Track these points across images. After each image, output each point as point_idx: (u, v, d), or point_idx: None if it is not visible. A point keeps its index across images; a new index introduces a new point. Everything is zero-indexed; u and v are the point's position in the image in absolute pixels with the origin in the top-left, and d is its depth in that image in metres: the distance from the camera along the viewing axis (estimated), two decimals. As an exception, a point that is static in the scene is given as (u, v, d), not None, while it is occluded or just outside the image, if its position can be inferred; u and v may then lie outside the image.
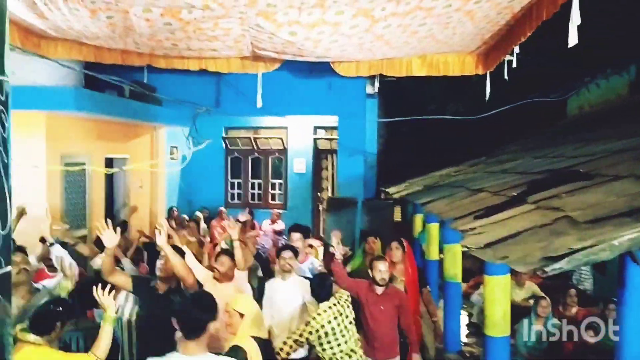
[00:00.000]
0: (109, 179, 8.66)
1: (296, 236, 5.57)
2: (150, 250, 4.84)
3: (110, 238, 3.78)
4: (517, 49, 5.15)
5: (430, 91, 12.13)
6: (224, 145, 11.94)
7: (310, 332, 4.13)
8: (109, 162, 8.40)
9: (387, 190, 9.05)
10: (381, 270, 4.52)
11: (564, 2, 3.76)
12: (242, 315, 3.43)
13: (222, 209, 10.61)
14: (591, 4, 4.42)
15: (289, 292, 4.65)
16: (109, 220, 3.85)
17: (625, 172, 2.87)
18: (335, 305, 4.29)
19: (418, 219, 8.88)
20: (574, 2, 3.53)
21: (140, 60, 6.11)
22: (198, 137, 10.35)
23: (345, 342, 4.23)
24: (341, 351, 4.21)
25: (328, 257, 5.05)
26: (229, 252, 4.43)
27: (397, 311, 4.60)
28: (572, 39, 3.59)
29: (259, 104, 6.63)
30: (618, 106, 7.15)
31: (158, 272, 3.94)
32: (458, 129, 9.90)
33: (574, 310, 5.72)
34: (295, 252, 4.89)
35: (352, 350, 4.28)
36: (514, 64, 5.34)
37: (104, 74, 7.56)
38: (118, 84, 7.36)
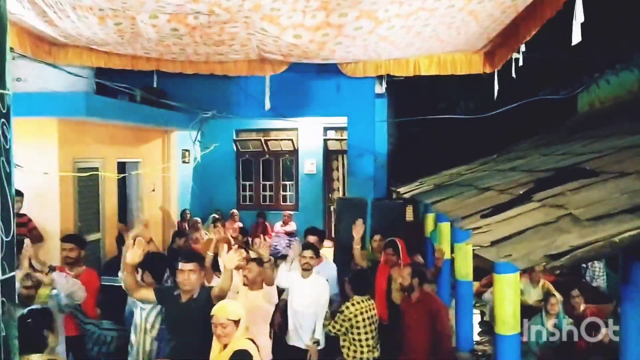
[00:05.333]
0: (122, 183, 8.77)
1: (313, 239, 5.64)
2: (156, 259, 4.87)
3: (134, 255, 3.75)
4: (523, 47, 5.14)
5: (440, 90, 12.10)
6: (235, 147, 12.03)
7: (344, 320, 4.59)
8: (122, 166, 8.51)
9: (398, 189, 9.06)
10: (400, 277, 4.82)
11: (566, 0, 3.76)
12: (237, 322, 3.42)
13: (234, 211, 10.71)
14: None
15: (309, 291, 4.82)
16: (141, 239, 3.82)
17: (631, 169, 2.86)
18: (368, 300, 4.71)
19: (429, 218, 8.88)
20: (577, 0, 3.52)
21: (149, 65, 6.19)
22: (207, 141, 10.45)
23: (372, 338, 4.68)
24: (368, 345, 4.66)
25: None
26: (258, 260, 4.56)
27: (429, 318, 4.72)
28: (576, 37, 3.59)
29: (268, 106, 6.69)
30: (628, 102, 7.09)
31: (181, 284, 3.89)
32: (469, 127, 9.86)
33: (581, 308, 5.70)
34: (317, 251, 5.08)
35: (373, 347, 4.71)
36: (521, 62, 5.33)
37: (115, 79, 7.68)
38: (127, 91, 7.46)
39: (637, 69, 7.22)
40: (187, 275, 3.82)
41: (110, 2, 4.30)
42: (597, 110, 8.26)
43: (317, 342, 4.81)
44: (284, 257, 5.84)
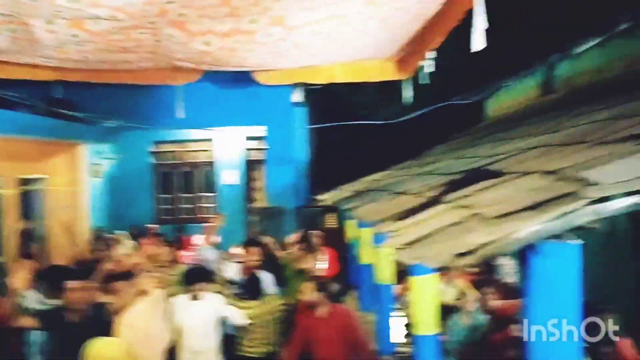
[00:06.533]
0: (26, 201, 8.20)
1: (254, 250, 5.51)
2: (55, 272, 4.59)
3: (18, 279, 3.66)
4: (433, 54, 5.30)
5: (358, 98, 12.33)
6: (151, 160, 11.61)
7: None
8: (25, 184, 7.97)
9: (319, 197, 9.10)
10: (304, 291, 4.69)
11: (470, 8, 3.90)
12: None
13: (152, 225, 10.32)
14: (499, 9, 4.62)
15: (201, 312, 4.65)
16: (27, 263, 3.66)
17: (532, 169, 2.99)
18: (264, 304, 4.89)
19: (350, 224, 8.97)
20: (477, 8, 3.67)
21: (50, 74, 5.80)
22: (121, 154, 10.03)
23: (265, 337, 4.90)
24: (256, 345, 4.88)
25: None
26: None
27: (344, 334, 4.60)
28: (478, 44, 3.73)
29: (181, 115, 6.49)
30: (530, 107, 7.53)
31: (70, 304, 3.72)
32: (388, 134, 10.11)
33: (496, 304, 5.94)
34: (210, 280, 5.01)
35: (267, 343, 4.92)
36: (431, 69, 5.49)
37: (14, 90, 7.18)
38: (18, 100, 7.03)
39: (538, 76, 7.70)
40: (77, 294, 3.71)
41: (1, 8, 3.99)
42: (503, 115, 8.72)
43: None
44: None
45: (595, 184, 2.06)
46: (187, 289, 4.70)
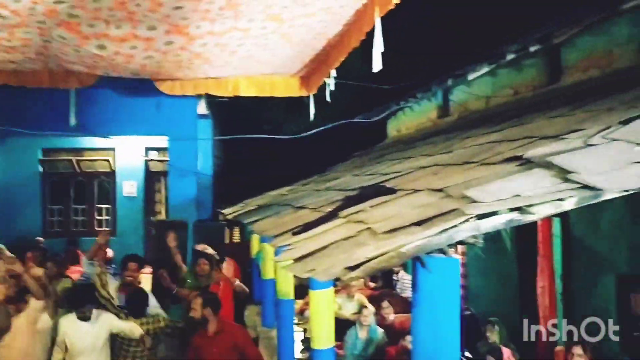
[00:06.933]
0: None
1: (133, 266, 5.42)
2: None
3: None
4: (334, 73, 5.41)
5: (265, 112, 12.35)
6: (41, 168, 10.85)
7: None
8: None
9: (223, 211, 8.96)
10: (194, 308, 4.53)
11: (369, 30, 4.04)
12: None
13: (39, 238, 9.66)
14: (400, 33, 4.85)
15: (91, 332, 4.48)
16: None
17: (422, 186, 3.12)
18: (149, 324, 4.66)
19: (255, 238, 8.89)
20: (376, 30, 3.80)
21: None
22: (6, 161, 9.29)
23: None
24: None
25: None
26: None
27: (235, 352, 4.51)
28: (377, 65, 3.86)
29: (73, 121, 6.11)
30: (427, 128, 7.92)
31: None
32: (294, 149, 10.18)
33: (391, 318, 6.14)
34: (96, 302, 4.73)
35: None
36: (332, 87, 5.60)
37: None
38: None
39: (436, 100, 8.14)
40: None
41: None
42: (403, 135, 9.12)
43: None
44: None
45: (476, 201, 2.17)
46: (75, 310, 4.48)
